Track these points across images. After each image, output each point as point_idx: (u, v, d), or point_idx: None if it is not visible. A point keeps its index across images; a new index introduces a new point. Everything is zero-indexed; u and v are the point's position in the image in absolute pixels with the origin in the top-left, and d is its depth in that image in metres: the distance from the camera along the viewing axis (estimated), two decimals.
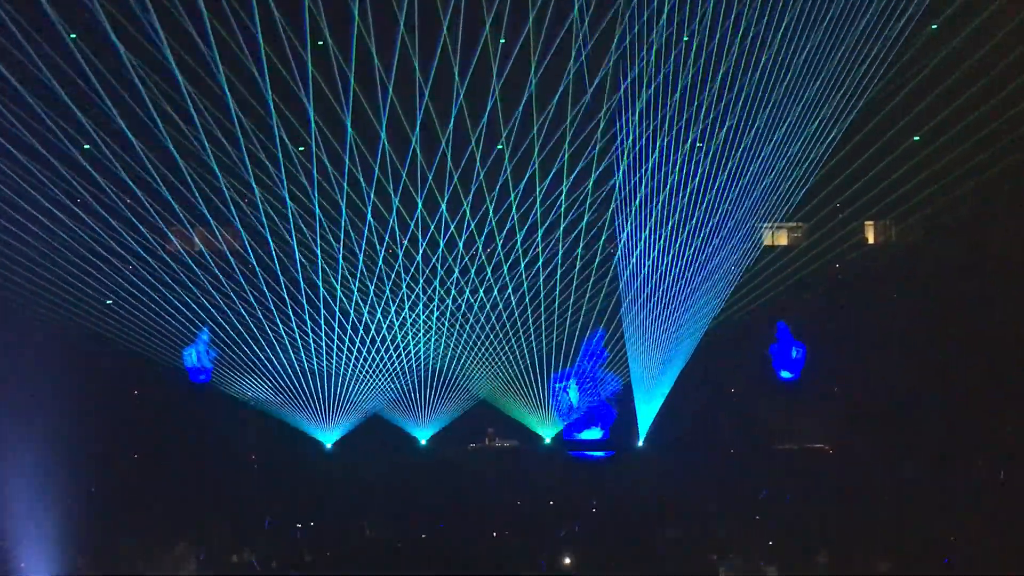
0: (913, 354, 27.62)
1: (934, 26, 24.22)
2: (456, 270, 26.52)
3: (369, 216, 25.52)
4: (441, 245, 26.28)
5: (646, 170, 25.38)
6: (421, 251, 26.27)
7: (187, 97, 22.98)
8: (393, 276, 26.39)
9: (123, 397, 27.45)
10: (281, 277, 25.65)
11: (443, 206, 25.79)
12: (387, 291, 26.44)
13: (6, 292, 24.37)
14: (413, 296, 26.62)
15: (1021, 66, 23.94)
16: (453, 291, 26.68)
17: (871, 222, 28.58)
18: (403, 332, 26.81)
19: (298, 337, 26.23)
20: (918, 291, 27.85)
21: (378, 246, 26.04)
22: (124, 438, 26.91)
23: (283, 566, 23.35)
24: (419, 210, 25.80)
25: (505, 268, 26.63)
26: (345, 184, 25.05)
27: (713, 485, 25.69)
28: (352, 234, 25.65)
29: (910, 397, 27.35)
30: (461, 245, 26.34)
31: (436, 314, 26.80)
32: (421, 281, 26.52)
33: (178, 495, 25.02)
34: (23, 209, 23.47)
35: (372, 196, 25.34)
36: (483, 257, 26.60)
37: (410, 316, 26.72)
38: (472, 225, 26.18)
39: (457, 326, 27.02)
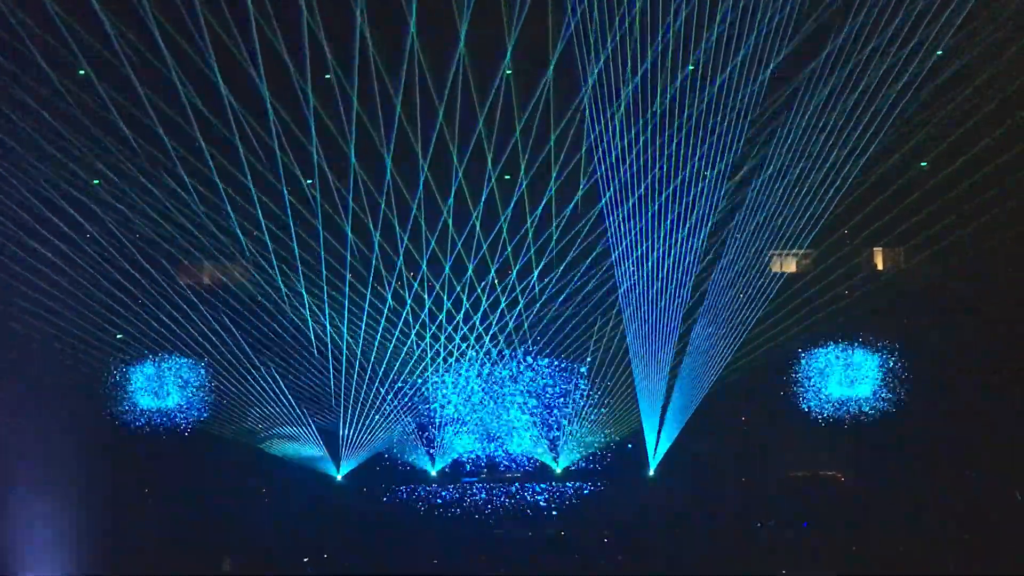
0: (927, 382, 27.49)
1: (939, 52, 24.19)
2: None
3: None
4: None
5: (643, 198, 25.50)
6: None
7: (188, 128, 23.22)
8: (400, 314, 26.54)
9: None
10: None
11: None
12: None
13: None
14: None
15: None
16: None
17: (880, 248, 28.53)
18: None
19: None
20: (929, 318, 27.69)
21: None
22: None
23: None
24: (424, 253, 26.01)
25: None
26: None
27: (723, 513, 25.91)
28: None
29: (923, 425, 27.20)
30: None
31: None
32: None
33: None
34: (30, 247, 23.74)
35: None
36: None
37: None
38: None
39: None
